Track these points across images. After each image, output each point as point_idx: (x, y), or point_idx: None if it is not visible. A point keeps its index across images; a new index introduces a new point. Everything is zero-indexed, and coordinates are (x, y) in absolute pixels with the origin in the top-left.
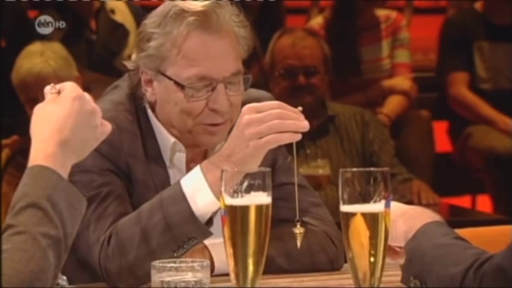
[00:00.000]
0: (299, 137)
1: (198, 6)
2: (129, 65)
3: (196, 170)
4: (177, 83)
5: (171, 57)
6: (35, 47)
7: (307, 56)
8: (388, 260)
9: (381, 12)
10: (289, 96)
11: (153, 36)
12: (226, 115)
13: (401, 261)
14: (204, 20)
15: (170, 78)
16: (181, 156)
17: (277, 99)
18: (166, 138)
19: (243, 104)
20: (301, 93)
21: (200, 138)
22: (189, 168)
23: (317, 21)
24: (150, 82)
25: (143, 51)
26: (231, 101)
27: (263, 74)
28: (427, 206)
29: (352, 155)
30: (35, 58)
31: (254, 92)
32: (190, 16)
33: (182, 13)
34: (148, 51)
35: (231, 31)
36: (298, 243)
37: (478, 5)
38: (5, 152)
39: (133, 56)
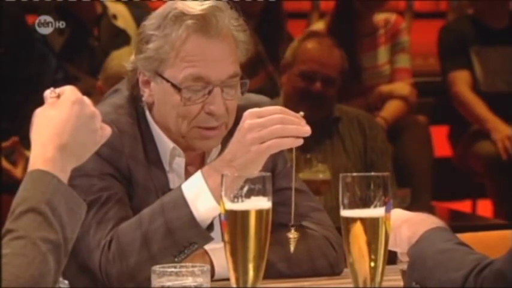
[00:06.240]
0: (301, 142)
1: (197, 9)
2: (127, 65)
3: (198, 175)
4: (174, 86)
5: (169, 59)
6: None
7: (330, 65)
8: None
9: (380, 16)
10: (299, 99)
11: (151, 38)
12: (221, 119)
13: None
14: (203, 23)
15: (167, 81)
16: (180, 161)
17: (287, 98)
18: (165, 143)
19: (243, 109)
20: (313, 103)
21: (194, 142)
22: (187, 172)
23: (318, 27)
24: (147, 83)
25: (142, 52)
26: (227, 105)
27: (270, 80)
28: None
29: (355, 153)
30: None
31: (254, 96)
32: (189, 19)
33: (181, 16)
34: (147, 53)
35: (230, 35)
36: (292, 248)
37: (470, 11)
38: None
39: (132, 57)
